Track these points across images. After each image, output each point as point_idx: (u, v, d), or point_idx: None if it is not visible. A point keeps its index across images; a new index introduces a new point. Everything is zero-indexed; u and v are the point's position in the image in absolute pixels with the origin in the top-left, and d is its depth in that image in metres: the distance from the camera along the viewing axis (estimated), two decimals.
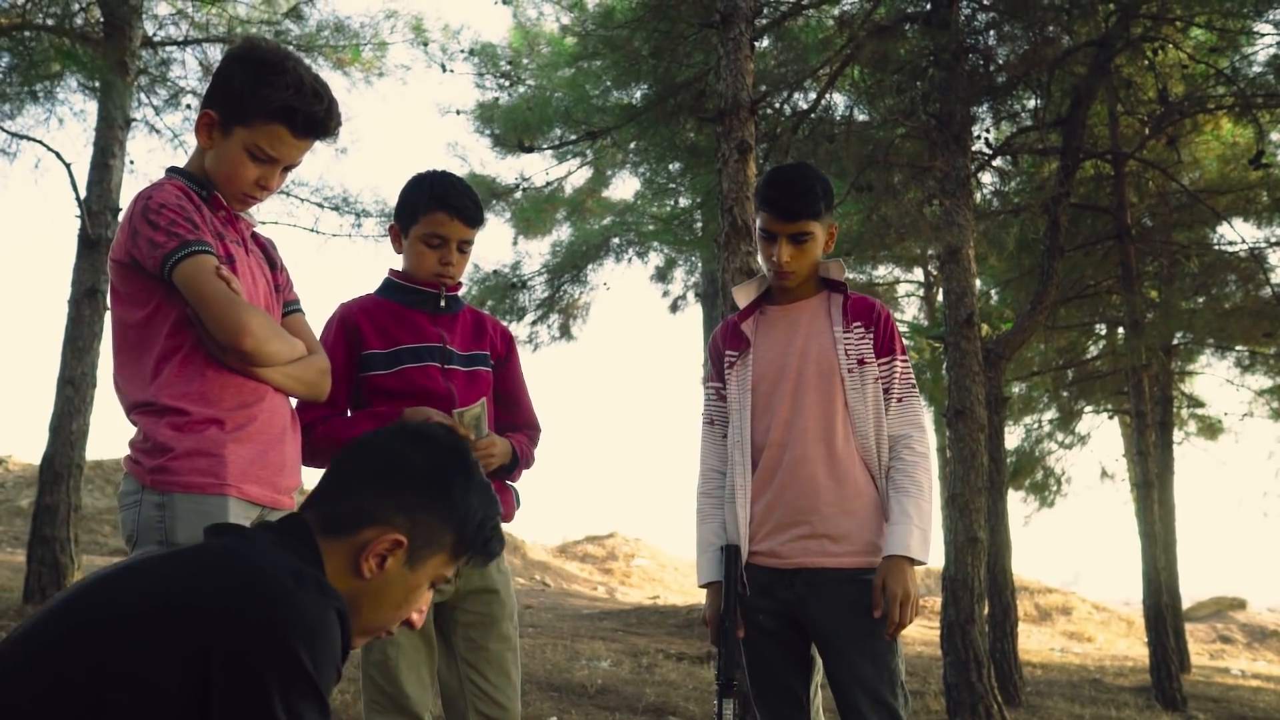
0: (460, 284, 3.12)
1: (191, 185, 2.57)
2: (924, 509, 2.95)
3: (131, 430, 2.51)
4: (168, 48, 11.89)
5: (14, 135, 10.79)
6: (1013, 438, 17.12)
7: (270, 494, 2.52)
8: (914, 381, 3.11)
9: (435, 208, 2.99)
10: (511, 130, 13.94)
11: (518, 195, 15.57)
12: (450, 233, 3.00)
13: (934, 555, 3.09)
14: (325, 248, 15.72)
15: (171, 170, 2.63)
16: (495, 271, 16.09)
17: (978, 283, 9.44)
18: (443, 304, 3.05)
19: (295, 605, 1.59)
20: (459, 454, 1.96)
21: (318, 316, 3.04)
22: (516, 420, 3.18)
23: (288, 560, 1.69)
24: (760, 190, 3.14)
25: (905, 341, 3.16)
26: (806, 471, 2.99)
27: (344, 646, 1.69)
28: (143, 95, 11.81)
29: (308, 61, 2.66)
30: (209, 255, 2.41)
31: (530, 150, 12.60)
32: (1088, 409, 17.79)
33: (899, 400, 3.05)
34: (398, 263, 3.13)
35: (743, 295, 3.21)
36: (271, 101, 2.48)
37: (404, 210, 3.07)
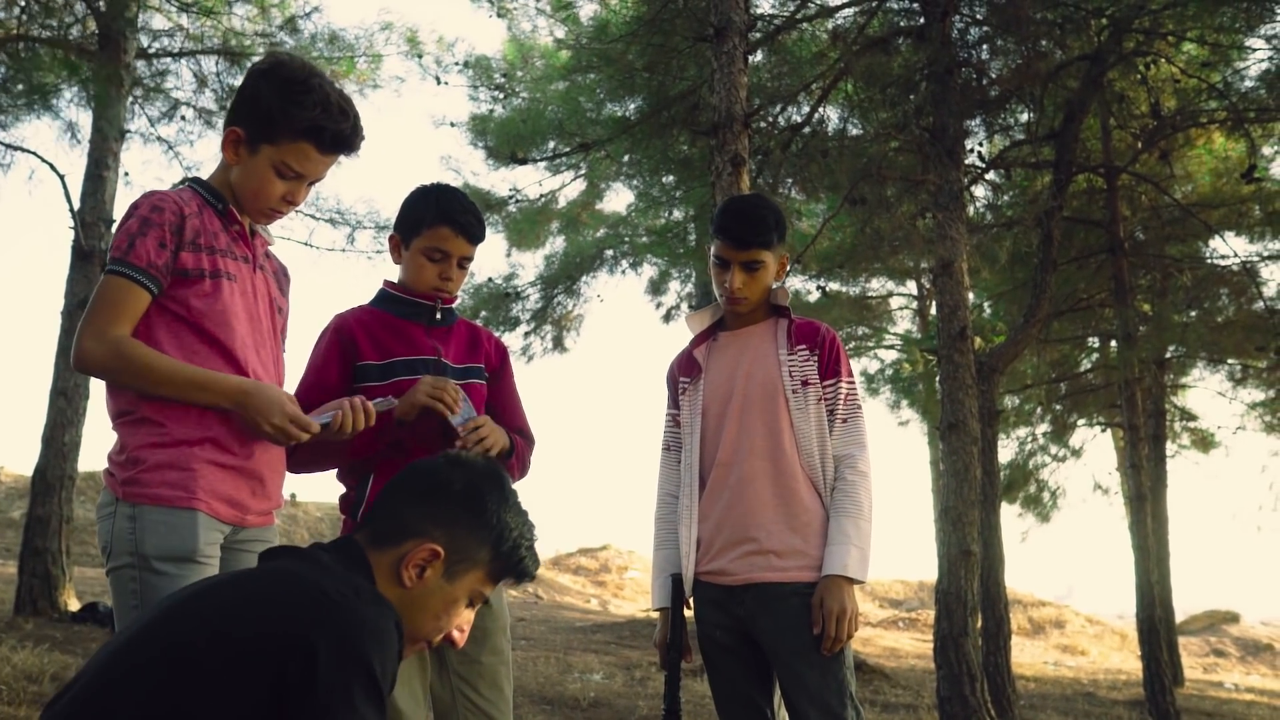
0: (455, 297, 3.11)
1: (208, 196, 2.56)
2: (863, 529, 3.01)
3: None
4: (163, 59, 11.89)
5: (8, 146, 10.80)
6: (1006, 451, 17.13)
7: (238, 514, 2.49)
8: (859, 402, 3.18)
9: (440, 222, 2.97)
10: (505, 143, 13.96)
11: (511, 207, 15.57)
12: (453, 248, 2.99)
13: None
14: (319, 262, 15.68)
15: (193, 180, 2.62)
16: (489, 282, 16.10)
17: (971, 296, 9.46)
18: (438, 316, 3.05)
19: (361, 615, 1.74)
20: (495, 477, 2.12)
21: (309, 333, 3.04)
22: (509, 429, 3.14)
23: (345, 575, 1.85)
24: (715, 219, 3.23)
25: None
26: (752, 489, 3.05)
27: (398, 653, 1.83)
28: (138, 107, 11.81)
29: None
30: (136, 287, 2.40)
31: (524, 162, 12.63)
32: (1080, 422, 17.81)
33: (843, 420, 3.11)
34: (393, 273, 3.13)
35: (696, 323, 3.33)
36: (299, 120, 2.48)
37: (406, 221, 3.05)
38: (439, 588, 2.01)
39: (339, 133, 2.54)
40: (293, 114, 2.48)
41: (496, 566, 2.06)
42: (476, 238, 3.04)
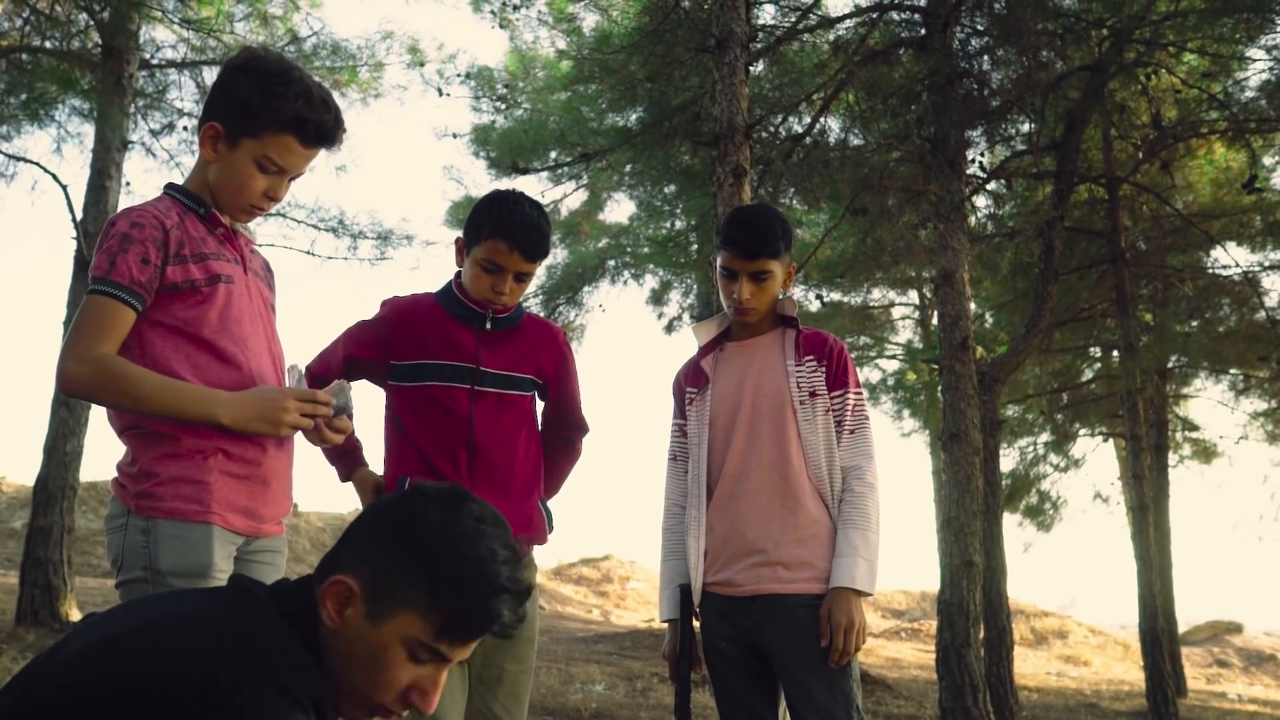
0: (510, 308, 3.06)
1: (188, 203, 2.51)
2: (871, 541, 2.99)
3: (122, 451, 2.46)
4: (165, 71, 11.93)
5: (11, 157, 10.84)
6: (1007, 461, 17.12)
7: (254, 524, 2.47)
8: (866, 413, 3.16)
9: (496, 236, 2.91)
10: (507, 153, 13.99)
11: None
12: (508, 263, 2.93)
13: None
14: (321, 270, 15.70)
15: (169, 187, 2.57)
16: None
17: (972, 306, 9.46)
18: (488, 325, 3.02)
19: (258, 696, 1.53)
20: (447, 502, 1.77)
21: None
22: (562, 429, 3.24)
23: (274, 645, 1.63)
24: (721, 229, 3.20)
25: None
26: (761, 501, 3.04)
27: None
28: (139, 118, 11.84)
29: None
30: (120, 305, 2.35)
31: (526, 172, 12.62)
32: (1082, 432, 17.79)
33: (851, 432, 3.09)
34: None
35: (703, 333, 3.30)
36: (282, 112, 2.43)
37: (470, 228, 3.01)
38: (362, 630, 1.70)
39: (321, 124, 2.48)
40: (274, 106, 2.43)
41: (439, 614, 1.68)
42: (533, 255, 2.97)
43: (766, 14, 10.84)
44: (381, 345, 3.01)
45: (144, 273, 2.37)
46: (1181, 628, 18.04)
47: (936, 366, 9.26)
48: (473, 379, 2.97)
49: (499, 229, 2.91)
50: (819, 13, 10.34)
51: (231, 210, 2.55)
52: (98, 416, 9.84)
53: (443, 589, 1.68)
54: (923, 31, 9.37)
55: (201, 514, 2.35)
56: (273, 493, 2.52)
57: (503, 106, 14.72)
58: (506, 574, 1.72)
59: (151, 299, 2.39)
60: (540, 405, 3.21)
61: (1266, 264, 13.66)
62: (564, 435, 3.26)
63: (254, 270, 2.64)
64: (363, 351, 3.03)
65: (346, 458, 3.10)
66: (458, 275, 3.09)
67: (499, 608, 1.71)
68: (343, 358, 3.04)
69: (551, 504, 3.18)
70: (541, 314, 16.92)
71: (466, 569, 1.69)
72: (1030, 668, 18.80)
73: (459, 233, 3.09)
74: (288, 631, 1.67)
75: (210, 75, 11.92)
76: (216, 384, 2.42)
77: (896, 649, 19.39)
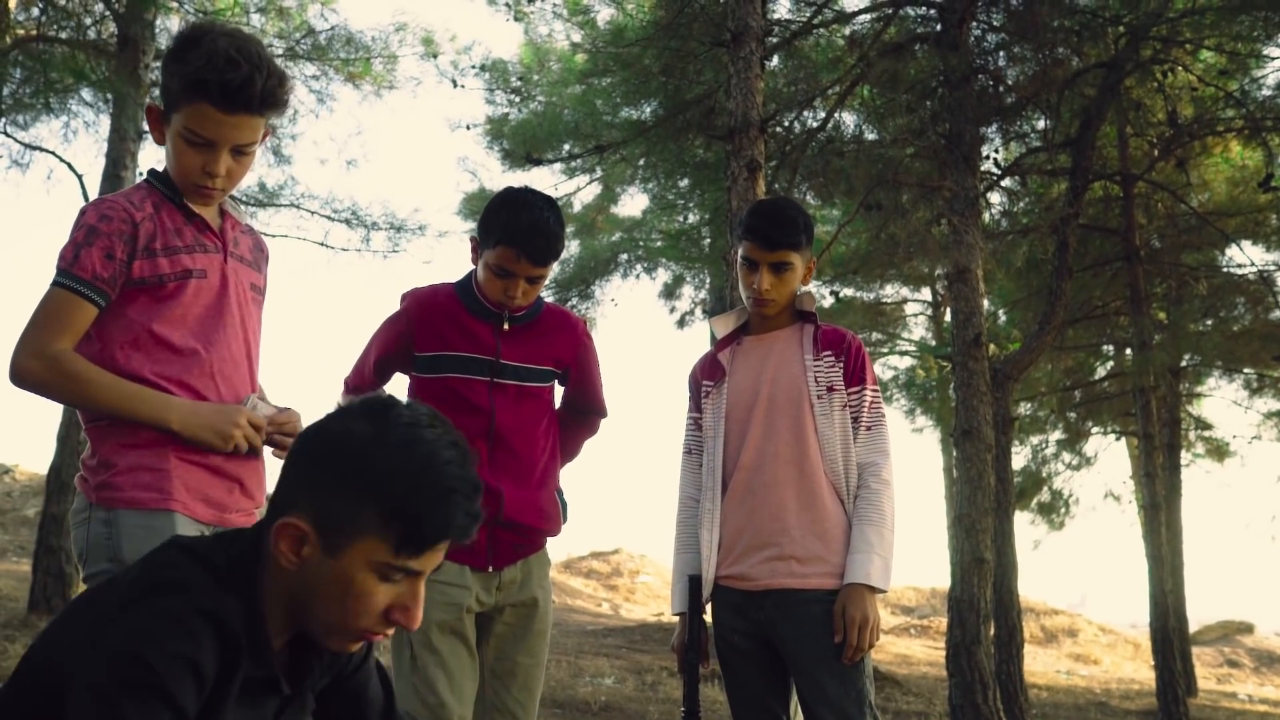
0: (524, 307, 3.05)
1: (166, 191, 2.44)
2: (886, 537, 2.98)
3: None
4: None
5: (27, 146, 10.85)
6: (1019, 458, 17.08)
7: (218, 513, 2.39)
8: (883, 410, 3.15)
9: (504, 243, 2.89)
10: (521, 145, 13.98)
11: None
12: (517, 269, 2.92)
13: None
14: (333, 261, 15.74)
15: (150, 174, 2.50)
16: None
17: (985, 303, 9.44)
18: (505, 327, 3.02)
19: (128, 618, 1.49)
20: (374, 412, 1.65)
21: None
22: (582, 412, 3.29)
23: (144, 571, 1.59)
24: (743, 220, 3.21)
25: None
26: (776, 495, 3.03)
27: (249, 643, 1.57)
28: None
29: (279, 53, 2.51)
30: (80, 300, 2.30)
31: (540, 165, 12.62)
32: (1095, 430, 17.75)
33: (867, 428, 3.08)
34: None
35: (721, 326, 3.30)
36: (186, 78, 2.29)
37: (481, 230, 3.00)
38: (325, 567, 1.61)
39: (226, 83, 2.27)
40: (182, 73, 2.30)
41: (394, 531, 1.59)
42: (542, 261, 2.94)
43: (782, 8, 10.84)
44: (404, 338, 3.03)
45: (107, 268, 2.30)
46: (1192, 627, 17.98)
47: (949, 363, 9.25)
48: (492, 371, 2.98)
49: (506, 236, 2.90)
50: (835, 7, 10.34)
51: (186, 193, 2.44)
52: None
53: (390, 506, 1.59)
54: (939, 27, 9.35)
55: (162, 501, 2.28)
56: (241, 486, 2.45)
57: (517, 99, 14.70)
58: (453, 474, 1.62)
59: (116, 293, 2.34)
60: (560, 390, 3.23)
61: None
62: (583, 415, 3.31)
63: (238, 255, 2.54)
64: (389, 350, 3.07)
65: None
66: (474, 274, 3.09)
67: (452, 510, 1.61)
68: (374, 363, 3.08)
69: (566, 498, 3.19)
70: None
71: (409, 479, 1.59)
72: (1040, 666, 18.77)
73: (473, 224, 3.09)
74: (200, 588, 1.58)
75: None
76: (176, 380, 2.36)
77: (906, 645, 19.37)
